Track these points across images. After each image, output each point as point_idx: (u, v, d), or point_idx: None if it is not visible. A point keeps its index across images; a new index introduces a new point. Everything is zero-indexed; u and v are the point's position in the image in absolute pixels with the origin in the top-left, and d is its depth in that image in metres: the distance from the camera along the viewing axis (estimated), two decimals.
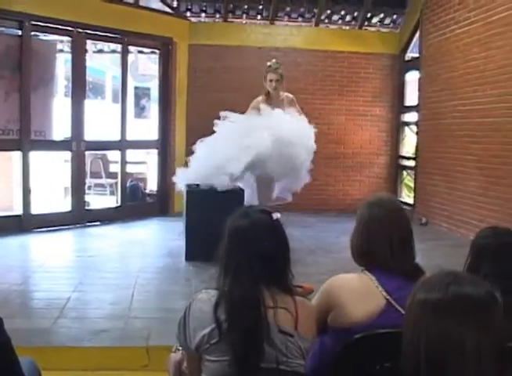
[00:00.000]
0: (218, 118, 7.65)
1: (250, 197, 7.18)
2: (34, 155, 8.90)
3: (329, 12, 11.55)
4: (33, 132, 8.83)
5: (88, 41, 9.83)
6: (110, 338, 4.64)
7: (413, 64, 11.11)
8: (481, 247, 3.01)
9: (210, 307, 2.26)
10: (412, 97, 11.31)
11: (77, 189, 9.47)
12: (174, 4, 11.10)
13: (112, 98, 14.68)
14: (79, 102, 9.33)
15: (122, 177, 10.25)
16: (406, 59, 11.52)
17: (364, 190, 11.22)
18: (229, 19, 11.39)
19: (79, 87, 9.39)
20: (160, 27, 10.29)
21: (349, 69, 11.39)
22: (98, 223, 9.51)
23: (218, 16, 11.45)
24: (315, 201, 10.88)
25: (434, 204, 9.98)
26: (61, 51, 11.40)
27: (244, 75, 10.70)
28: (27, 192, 8.73)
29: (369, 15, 11.61)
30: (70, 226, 9.08)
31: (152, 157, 11.52)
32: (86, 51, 9.70)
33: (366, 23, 11.73)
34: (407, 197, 11.64)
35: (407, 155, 11.61)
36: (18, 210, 8.83)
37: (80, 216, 9.32)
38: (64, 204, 9.89)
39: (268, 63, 7.61)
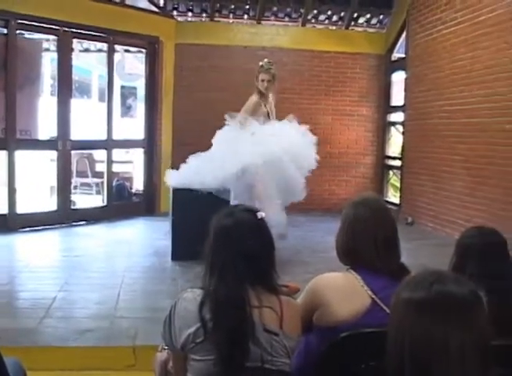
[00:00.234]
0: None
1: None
2: (19, 154, 8.85)
3: (315, 12, 11.57)
4: (18, 131, 8.79)
5: (75, 40, 9.77)
6: (96, 337, 4.64)
7: (400, 64, 11.14)
8: (467, 247, 3.02)
9: (195, 306, 2.26)
10: (398, 97, 11.34)
11: (63, 188, 9.44)
12: (161, 3, 11.08)
13: (98, 97, 14.62)
14: (65, 101, 9.29)
15: (108, 176, 10.23)
16: (393, 59, 11.55)
17: (350, 190, 11.24)
18: (216, 19, 11.38)
19: (65, 86, 9.36)
20: (147, 26, 10.27)
21: (336, 69, 11.41)
22: (84, 223, 9.48)
23: (204, 15, 11.45)
24: (302, 201, 10.87)
25: (420, 203, 10.01)
26: (47, 50, 11.36)
27: (231, 75, 10.71)
28: (12, 191, 8.69)
29: (355, 15, 11.63)
30: (56, 226, 9.05)
31: (138, 156, 11.49)
32: (72, 50, 9.66)
33: (353, 23, 11.75)
34: (393, 196, 11.67)
35: (393, 155, 11.65)
36: (3, 209, 8.76)
37: (66, 216, 9.28)
38: (50, 204, 9.86)
39: (261, 63, 7.57)
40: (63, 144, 9.22)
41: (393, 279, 2.34)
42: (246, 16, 11.62)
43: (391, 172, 11.76)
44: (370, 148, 11.65)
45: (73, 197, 10.09)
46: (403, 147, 10.93)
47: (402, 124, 11.02)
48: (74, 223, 9.33)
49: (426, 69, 9.90)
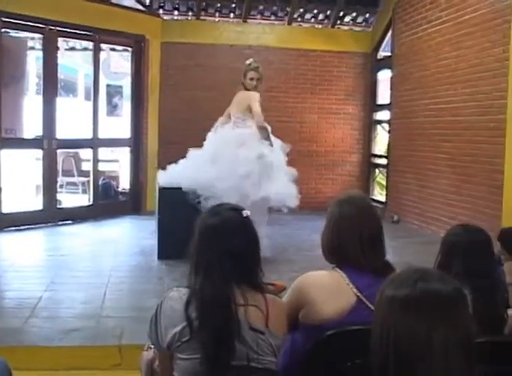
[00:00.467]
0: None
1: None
2: (4, 153, 8.81)
3: (302, 10, 11.58)
4: (3, 130, 8.75)
5: (60, 39, 9.73)
6: (82, 337, 4.63)
7: (386, 63, 11.17)
8: (452, 245, 3.04)
9: (181, 305, 2.26)
10: (384, 96, 11.38)
11: (49, 187, 9.41)
12: (147, 1, 11.05)
13: (84, 96, 14.58)
14: (51, 100, 9.26)
15: (94, 175, 10.20)
16: (379, 57, 11.59)
17: (336, 188, 11.25)
18: (202, 17, 11.36)
19: (51, 85, 9.32)
20: (133, 25, 10.24)
21: (322, 67, 11.43)
22: (70, 222, 9.45)
23: (190, 13, 11.42)
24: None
25: (405, 201, 10.05)
26: (32, 48, 11.32)
27: (217, 73, 10.70)
28: None
29: (341, 14, 11.65)
30: (42, 225, 9.01)
31: (124, 154, 11.46)
32: (58, 48, 9.61)
33: (339, 22, 11.77)
34: (379, 194, 11.71)
35: (379, 153, 11.68)
36: None
37: (52, 215, 9.25)
38: (36, 203, 9.81)
39: (248, 62, 7.56)
40: (48, 143, 9.18)
41: (378, 276, 2.34)
42: (232, 15, 11.61)
43: (377, 170, 11.80)
44: (356, 146, 11.68)
45: (59, 196, 10.05)
46: (389, 145, 10.96)
47: (388, 122, 11.06)
48: (60, 222, 9.30)
49: (411, 67, 9.93)
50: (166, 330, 2.27)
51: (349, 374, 2.25)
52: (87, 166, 11.47)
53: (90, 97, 10.30)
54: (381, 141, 11.78)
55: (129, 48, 10.79)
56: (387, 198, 10.94)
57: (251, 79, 7.44)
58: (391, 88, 10.83)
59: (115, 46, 11.61)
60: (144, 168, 10.55)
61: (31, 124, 10.13)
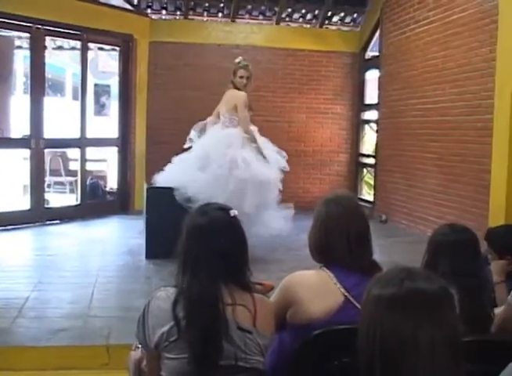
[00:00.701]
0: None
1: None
2: None
3: (290, 10, 11.59)
4: None
5: (47, 38, 9.70)
6: (70, 337, 4.61)
7: (374, 63, 11.20)
8: (439, 244, 3.05)
9: (168, 305, 2.26)
10: (372, 95, 11.40)
11: (37, 187, 9.36)
12: (135, 1, 11.02)
13: (72, 95, 14.54)
14: (38, 99, 9.22)
15: (82, 175, 10.17)
16: (367, 57, 11.60)
17: (324, 188, 11.26)
18: (190, 17, 11.34)
19: (38, 84, 9.28)
20: (121, 24, 10.21)
21: (310, 67, 11.44)
22: (57, 222, 9.42)
23: (178, 13, 11.41)
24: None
25: (393, 201, 10.07)
26: (19, 47, 11.27)
27: (205, 73, 10.69)
28: None
29: (329, 13, 11.66)
30: (29, 225, 8.97)
31: (112, 154, 11.43)
32: (45, 47, 9.57)
33: (327, 22, 11.78)
34: (367, 194, 11.73)
35: (367, 153, 11.70)
36: None
37: (39, 214, 9.22)
38: (23, 203, 9.78)
39: (237, 60, 7.53)
40: (36, 142, 9.15)
41: (365, 276, 2.35)
42: (220, 15, 11.60)
43: (365, 170, 11.82)
44: (344, 146, 11.69)
45: (47, 196, 10.02)
46: (377, 145, 10.98)
47: (376, 122, 11.08)
48: (48, 222, 9.27)
49: (399, 67, 9.96)
50: (153, 330, 2.27)
51: (337, 373, 2.25)
52: (74, 166, 11.44)
53: (78, 96, 10.27)
54: (369, 141, 11.81)
55: (117, 48, 10.76)
56: (375, 198, 10.96)
57: (241, 77, 7.43)
58: (379, 88, 10.85)
59: (103, 45, 11.59)
60: (132, 168, 10.53)
61: (19, 124, 10.08)
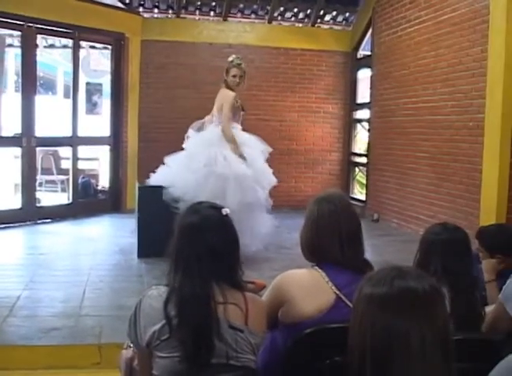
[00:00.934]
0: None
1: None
2: None
3: (282, 9, 11.59)
4: None
5: (39, 36, 9.67)
6: (61, 336, 4.60)
7: (365, 62, 11.21)
8: (430, 243, 3.07)
9: (160, 303, 2.26)
10: (364, 94, 11.42)
11: (28, 185, 9.34)
12: None
13: (63, 93, 14.51)
14: (29, 97, 9.18)
15: (74, 173, 10.13)
16: (358, 56, 11.61)
17: (316, 187, 11.27)
18: (182, 15, 11.32)
19: (29, 82, 9.25)
20: (113, 23, 10.19)
21: (302, 66, 11.44)
22: (49, 220, 9.39)
23: (170, 11, 11.39)
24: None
25: (385, 200, 10.09)
26: (11, 45, 11.23)
27: (197, 71, 10.69)
28: None
29: (321, 12, 11.67)
30: (21, 224, 8.95)
31: (104, 153, 11.40)
32: (36, 46, 9.55)
33: (319, 21, 11.79)
34: (359, 193, 11.74)
35: (359, 152, 11.72)
36: None
37: (31, 213, 9.19)
38: (14, 201, 9.74)
39: (230, 58, 7.45)
40: (27, 141, 9.12)
41: (357, 274, 2.36)
42: (212, 13, 11.58)
43: (356, 169, 11.83)
44: (336, 145, 11.70)
45: (38, 195, 9.98)
46: (369, 144, 11.00)
47: (368, 121, 11.10)
48: (39, 221, 9.25)
49: (391, 66, 9.97)
50: (145, 329, 2.27)
51: (328, 372, 2.25)
52: (66, 164, 11.39)
53: (69, 95, 10.24)
54: (361, 140, 11.82)
55: (109, 46, 10.73)
56: (367, 197, 10.98)
57: (234, 76, 7.35)
58: (371, 87, 10.87)
59: (95, 44, 11.56)
60: (124, 166, 10.51)
61: (10, 122, 10.05)
